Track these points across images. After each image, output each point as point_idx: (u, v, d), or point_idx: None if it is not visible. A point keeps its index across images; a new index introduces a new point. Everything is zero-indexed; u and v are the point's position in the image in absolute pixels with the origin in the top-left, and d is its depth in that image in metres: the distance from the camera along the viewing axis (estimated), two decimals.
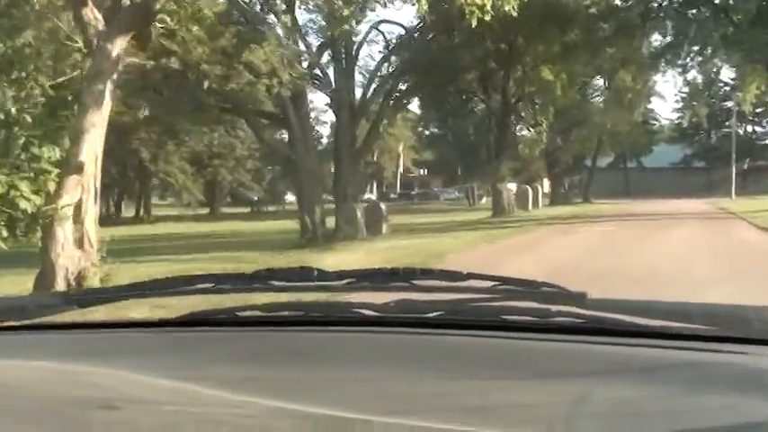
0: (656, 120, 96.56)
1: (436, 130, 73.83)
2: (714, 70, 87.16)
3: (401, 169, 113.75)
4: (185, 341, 2.01)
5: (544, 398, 1.50)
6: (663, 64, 44.44)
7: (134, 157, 61.03)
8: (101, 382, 1.60)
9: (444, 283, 1.98)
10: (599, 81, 72.99)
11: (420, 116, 76.09)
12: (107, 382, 1.60)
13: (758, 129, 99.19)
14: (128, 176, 63.27)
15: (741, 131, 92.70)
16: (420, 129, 76.78)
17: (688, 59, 42.86)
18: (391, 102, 43.08)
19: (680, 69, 44.59)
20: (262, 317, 2.08)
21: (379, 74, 35.76)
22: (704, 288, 11.53)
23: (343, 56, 33.22)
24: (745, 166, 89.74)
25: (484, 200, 72.31)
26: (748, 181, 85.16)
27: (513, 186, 58.44)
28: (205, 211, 68.93)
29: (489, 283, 1.99)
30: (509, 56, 42.51)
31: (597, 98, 74.14)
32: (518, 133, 58.13)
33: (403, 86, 40.62)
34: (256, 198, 71.17)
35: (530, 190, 56.51)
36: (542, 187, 70.74)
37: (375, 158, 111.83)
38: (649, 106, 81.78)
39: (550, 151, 69.96)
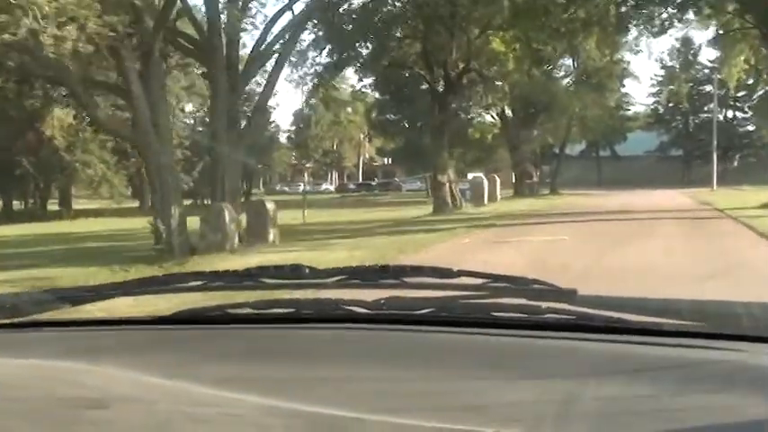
0: (631, 104, 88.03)
1: (391, 115, 65.86)
2: (693, 49, 79.90)
3: (363, 158, 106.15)
4: (177, 338, 1.96)
5: (534, 395, 1.47)
6: (633, 24, 36.07)
7: (48, 147, 53.41)
8: (92, 379, 1.54)
9: (435, 280, 1.96)
10: (567, 61, 65.20)
11: (375, 101, 68.31)
12: (98, 379, 1.54)
13: (739, 114, 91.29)
14: (47, 168, 55.09)
15: (721, 117, 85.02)
16: (374, 114, 68.45)
17: (664, 16, 34.70)
18: (309, 76, 35.68)
19: (655, 29, 36.07)
20: (253, 314, 2.03)
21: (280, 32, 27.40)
22: None
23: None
24: (735, 159, 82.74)
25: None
26: (728, 170, 78.74)
27: (474, 177, 52.24)
28: (135, 204, 61.48)
29: (480, 281, 1.97)
30: (450, 21, 34.50)
31: (566, 80, 66.23)
32: (470, 117, 50.32)
33: (321, 58, 33.11)
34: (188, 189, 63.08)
35: (485, 181, 48.94)
36: (513, 178, 64.96)
37: (335, 147, 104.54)
38: (624, 90, 73.73)
39: (513, 138, 62.36)
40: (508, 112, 65.30)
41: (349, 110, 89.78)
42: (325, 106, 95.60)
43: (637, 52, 66.12)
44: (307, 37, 33.59)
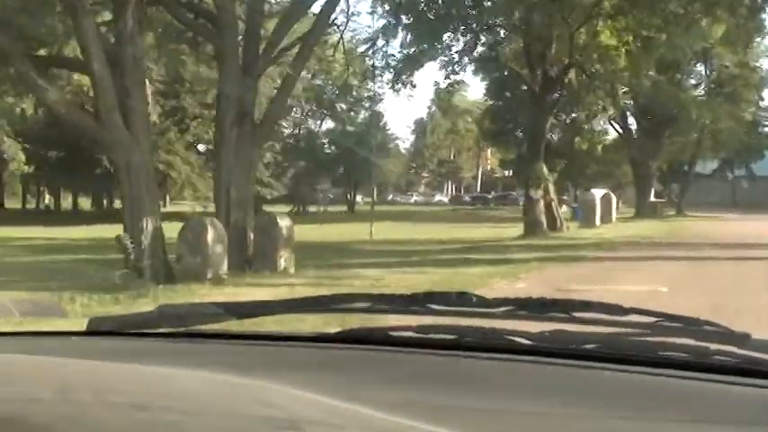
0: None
1: (503, 123, 59.57)
2: None
3: (482, 169, 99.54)
4: (340, 358, 1.95)
5: None
6: None
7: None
8: (260, 394, 1.54)
9: (603, 316, 1.93)
10: (698, 69, 57.77)
11: (487, 108, 62.20)
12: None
13: None
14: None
15: None
16: (486, 122, 62.12)
17: None
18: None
19: None
20: (415, 338, 1.99)
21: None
22: None
23: None
24: None
25: (564, 207, 59.54)
26: None
27: (586, 194, 46.96)
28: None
29: (649, 319, 1.92)
30: (549, 5, 28.07)
31: (697, 89, 58.74)
32: (575, 123, 43.62)
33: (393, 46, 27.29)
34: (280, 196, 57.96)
35: (597, 199, 42.25)
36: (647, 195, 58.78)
37: (452, 157, 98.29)
38: (762, 104, 64.89)
39: (635, 151, 55.30)
40: (631, 122, 58.25)
41: (468, 118, 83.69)
42: (441, 113, 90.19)
43: None
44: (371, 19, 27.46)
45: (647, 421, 1.48)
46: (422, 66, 32.73)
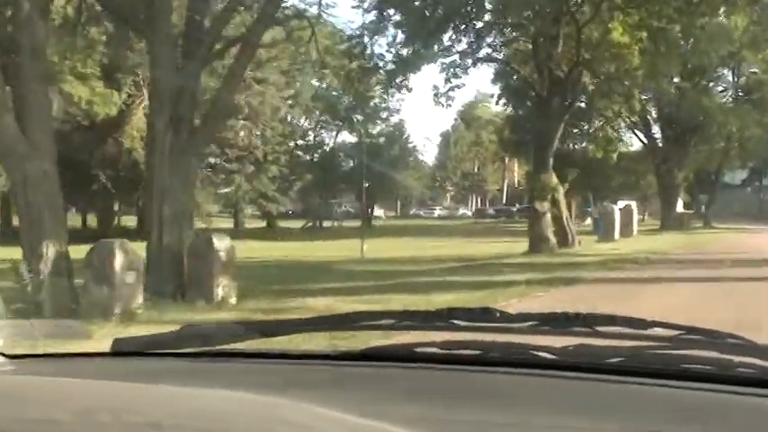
0: None
1: (522, 133, 56.45)
2: None
3: (507, 181, 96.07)
4: (365, 376, 1.95)
5: None
6: None
7: (128, 159, 46.32)
8: (282, 412, 1.50)
9: (626, 330, 1.92)
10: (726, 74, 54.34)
11: (506, 117, 59.28)
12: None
13: None
14: (124, 183, 47.71)
15: None
16: (506, 132, 58.89)
17: None
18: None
19: None
20: (439, 354, 1.98)
21: None
22: None
23: None
24: None
25: (588, 220, 56.48)
26: None
27: (605, 206, 43.57)
28: (229, 224, 55.05)
29: (673, 332, 1.93)
30: None
31: (724, 95, 55.26)
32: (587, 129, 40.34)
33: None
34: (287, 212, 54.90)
35: (616, 212, 39.06)
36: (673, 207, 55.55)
37: (476, 169, 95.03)
38: None
39: (660, 161, 51.93)
40: (656, 130, 54.81)
41: (492, 129, 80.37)
42: (465, 125, 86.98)
43: None
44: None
45: None
46: (418, 68, 29.53)
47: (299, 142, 65.00)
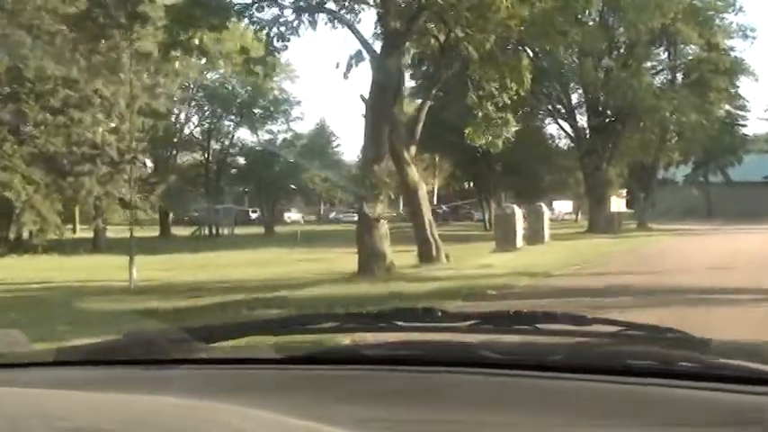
0: (746, 111, 63.89)
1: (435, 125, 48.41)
2: None
3: (437, 181, 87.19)
4: (310, 379, 1.92)
5: None
6: None
7: None
8: (229, 420, 1.49)
9: (568, 327, 1.93)
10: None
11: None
12: (235, 420, 1.49)
13: None
14: None
15: None
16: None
17: None
18: None
19: None
20: (384, 356, 1.95)
21: None
22: None
23: None
24: None
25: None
26: None
27: (505, 207, 34.72)
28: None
29: (613, 328, 1.93)
30: None
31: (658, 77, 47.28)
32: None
33: None
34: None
35: (517, 214, 30.91)
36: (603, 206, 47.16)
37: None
38: (736, 98, 52.45)
39: (584, 154, 43.93)
40: (581, 120, 46.68)
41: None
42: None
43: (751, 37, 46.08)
44: None
45: (614, 429, 1.47)
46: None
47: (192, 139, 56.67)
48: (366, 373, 1.88)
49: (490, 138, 23.47)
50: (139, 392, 1.67)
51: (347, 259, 22.21)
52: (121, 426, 1.40)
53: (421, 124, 23.77)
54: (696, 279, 15.47)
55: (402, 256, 22.73)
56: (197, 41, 19.96)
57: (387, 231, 19.25)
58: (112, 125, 42.63)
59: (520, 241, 30.24)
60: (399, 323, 2.03)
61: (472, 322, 1.98)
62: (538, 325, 1.92)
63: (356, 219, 66.40)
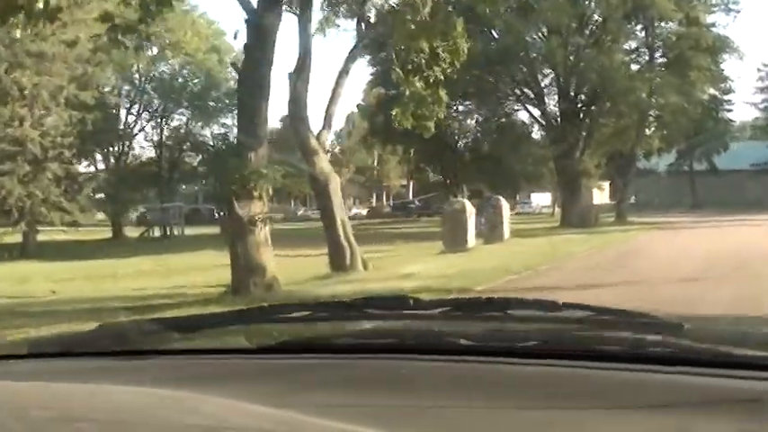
0: (730, 93, 59.23)
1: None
2: None
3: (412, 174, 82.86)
4: (282, 368, 1.87)
5: (637, 429, 1.42)
6: None
7: None
8: (200, 408, 1.50)
9: (539, 313, 1.94)
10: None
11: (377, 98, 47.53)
12: (211, 408, 1.50)
13: None
14: None
15: None
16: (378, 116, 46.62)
17: None
18: None
19: None
20: (357, 344, 1.95)
21: None
22: None
23: None
24: None
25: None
26: None
27: (454, 202, 29.50)
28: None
29: (585, 313, 1.92)
30: None
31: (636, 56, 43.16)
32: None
33: None
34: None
35: (468, 210, 26.86)
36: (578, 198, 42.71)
37: (375, 162, 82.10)
38: (719, 78, 48.07)
39: (551, 141, 40.03)
40: (551, 104, 42.51)
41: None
42: (359, 112, 73.93)
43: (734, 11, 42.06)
44: None
45: (586, 413, 1.46)
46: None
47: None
48: (337, 362, 1.84)
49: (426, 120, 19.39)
50: (113, 383, 1.65)
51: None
52: (95, 416, 1.38)
53: (336, 106, 19.57)
54: (663, 300, 11.38)
55: (312, 264, 18.60)
56: (41, 5, 15.56)
57: (267, 237, 14.93)
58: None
59: (472, 240, 26.20)
60: (370, 311, 2.01)
61: (443, 309, 1.95)
62: (509, 311, 1.91)
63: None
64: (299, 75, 18.26)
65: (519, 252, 23.15)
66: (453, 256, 22.57)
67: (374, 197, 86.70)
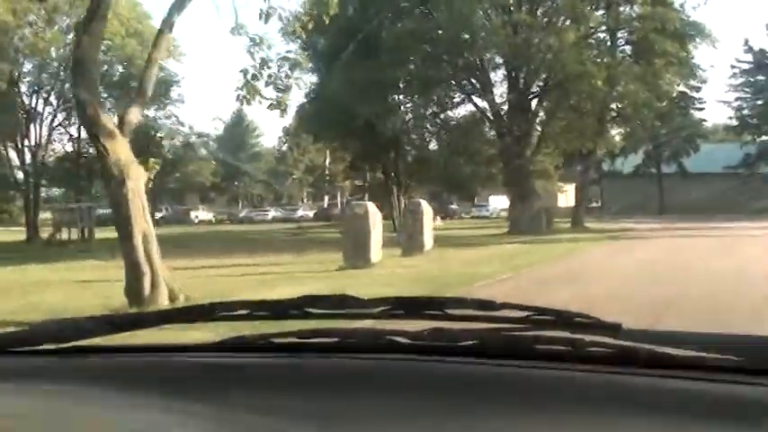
0: (701, 83, 52.94)
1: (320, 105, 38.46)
2: None
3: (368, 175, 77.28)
4: (220, 367, 1.87)
5: (575, 429, 1.43)
6: None
7: None
8: (134, 406, 1.50)
9: (478, 313, 1.90)
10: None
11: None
12: (140, 407, 1.50)
13: None
14: None
15: None
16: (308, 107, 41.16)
17: None
18: None
19: None
20: (296, 343, 1.92)
21: None
22: None
23: None
24: None
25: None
26: None
27: (355, 204, 23.59)
28: None
29: (523, 313, 1.91)
30: None
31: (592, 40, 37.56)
32: None
33: None
34: None
35: (370, 215, 21.38)
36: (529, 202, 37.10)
37: (326, 161, 76.39)
38: (688, 68, 42.65)
39: (500, 137, 34.81)
40: (499, 94, 37.16)
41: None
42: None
43: None
44: None
45: (523, 413, 1.47)
46: None
47: None
48: (276, 361, 1.85)
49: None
50: (47, 382, 1.64)
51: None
52: (29, 414, 1.37)
53: (153, 74, 14.08)
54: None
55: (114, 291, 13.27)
56: None
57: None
58: None
59: (377, 253, 20.76)
60: (311, 310, 1.96)
61: (383, 308, 1.91)
62: (447, 310, 1.90)
63: (268, 218, 56.02)
64: (87, 28, 12.84)
65: (425, 272, 17.85)
66: (342, 276, 17.36)
67: (326, 198, 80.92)
